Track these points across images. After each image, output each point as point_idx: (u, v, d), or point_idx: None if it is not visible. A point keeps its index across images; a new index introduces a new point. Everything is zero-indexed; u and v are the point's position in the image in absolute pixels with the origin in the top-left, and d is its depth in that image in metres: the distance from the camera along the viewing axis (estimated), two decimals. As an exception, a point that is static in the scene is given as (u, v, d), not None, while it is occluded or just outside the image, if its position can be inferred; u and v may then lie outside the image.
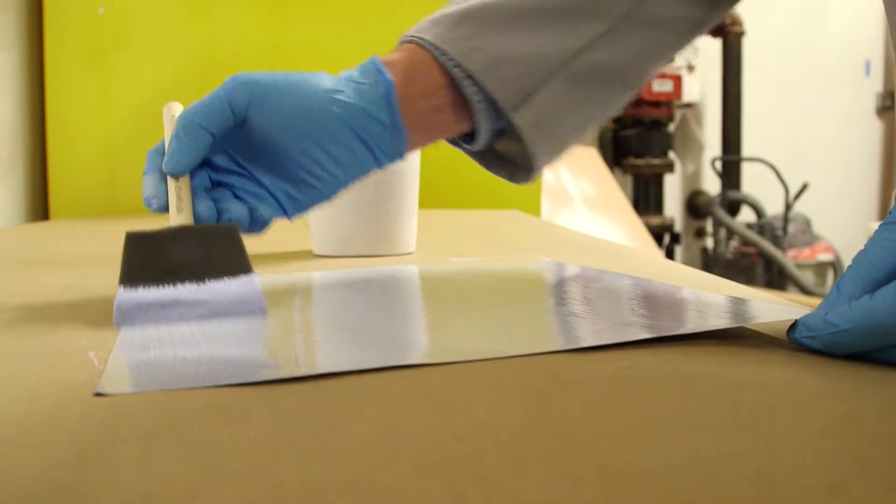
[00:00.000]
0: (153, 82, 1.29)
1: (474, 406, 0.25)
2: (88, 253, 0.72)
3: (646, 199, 3.52)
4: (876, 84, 3.89)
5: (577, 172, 2.31)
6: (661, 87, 3.29)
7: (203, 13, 1.28)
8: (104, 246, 0.80)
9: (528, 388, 0.27)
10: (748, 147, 3.67)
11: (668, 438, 0.22)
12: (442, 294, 0.48)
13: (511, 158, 0.52)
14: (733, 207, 3.60)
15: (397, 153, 0.47)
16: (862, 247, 0.32)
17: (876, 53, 3.84)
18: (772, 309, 0.38)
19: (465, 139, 0.51)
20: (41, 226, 1.12)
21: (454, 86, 0.47)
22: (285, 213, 0.47)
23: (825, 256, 3.46)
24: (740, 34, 3.50)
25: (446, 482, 0.19)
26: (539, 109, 0.47)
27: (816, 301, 0.38)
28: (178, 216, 0.43)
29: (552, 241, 0.83)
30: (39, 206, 1.30)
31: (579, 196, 2.24)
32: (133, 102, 1.28)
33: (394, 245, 0.67)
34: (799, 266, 3.35)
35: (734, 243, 3.51)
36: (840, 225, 3.69)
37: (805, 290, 3.19)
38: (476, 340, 0.34)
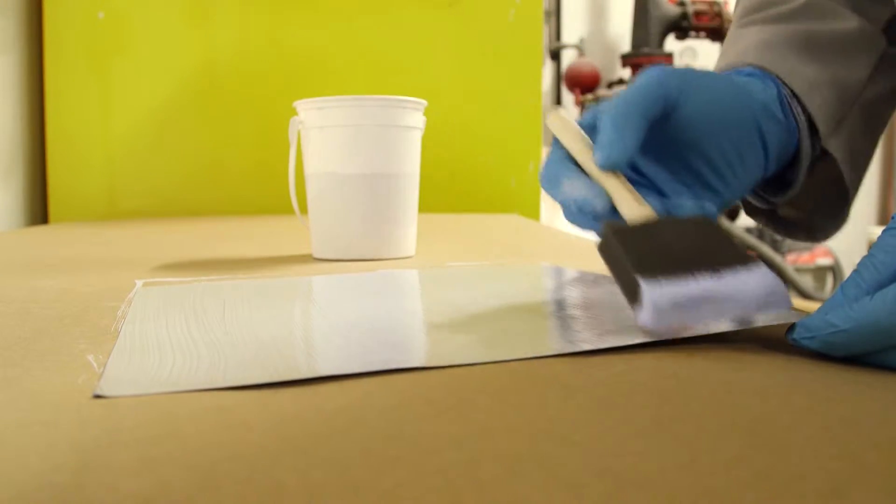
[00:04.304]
0: (152, 86, 1.29)
1: (473, 410, 0.25)
2: (87, 257, 0.72)
3: (645, 203, 3.51)
4: (875, 88, 3.89)
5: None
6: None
7: (202, 18, 1.28)
8: (103, 250, 0.80)
9: (527, 392, 0.27)
10: (747, 151, 3.66)
11: (667, 443, 0.22)
12: (441, 298, 0.48)
13: (791, 221, 0.51)
14: (732, 211, 3.60)
15: (783, 158, 0.44)
16: (861, 251, 0.32)
17: (875, 58, 3.85)
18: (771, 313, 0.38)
19: (771, 191, 0.48)
20: (40, 230, 1.12)
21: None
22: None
23: (824, 261, 3.46)
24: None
25: (446, 487, 0.19)
26: (847, 136, 0.46)
27: (815, 306, 0.37)
28: (639, 209, 0.38)
29: (552, 245, 0.83)
30: (39, 210, 1.30)
31: (579, 200, 2.24)
32: (132, 107, 1.29)
33: (394, 249, 0.67)
34: (798, 270, 3.35)
35: (733, 247, 3.51)
36: (839, 229, 3.69)
37: (804, 295, 3.19)
38: (475, 344, 0.34)
